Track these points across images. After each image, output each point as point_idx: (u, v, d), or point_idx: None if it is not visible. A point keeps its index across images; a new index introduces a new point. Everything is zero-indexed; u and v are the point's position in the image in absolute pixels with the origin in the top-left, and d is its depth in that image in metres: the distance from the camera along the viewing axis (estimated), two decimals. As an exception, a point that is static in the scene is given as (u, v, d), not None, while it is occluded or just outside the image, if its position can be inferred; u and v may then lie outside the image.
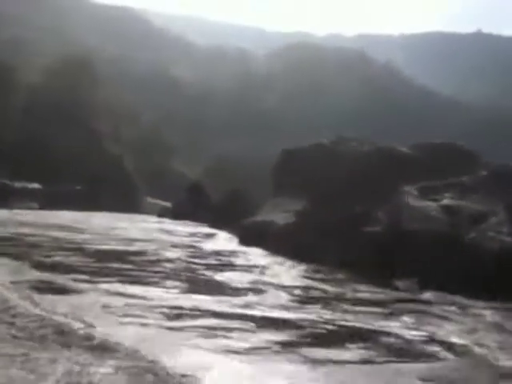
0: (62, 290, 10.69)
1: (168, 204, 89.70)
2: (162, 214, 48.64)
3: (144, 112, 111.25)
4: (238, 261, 16.92)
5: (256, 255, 18.82)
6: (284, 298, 12.09)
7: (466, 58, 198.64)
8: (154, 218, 45.90)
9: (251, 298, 11.83)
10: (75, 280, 11.82)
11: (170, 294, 11.47)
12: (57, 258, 13.90)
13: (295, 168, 30.83)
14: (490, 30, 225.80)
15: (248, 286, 13.23)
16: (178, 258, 15.41)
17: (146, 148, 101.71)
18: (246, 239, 26.70)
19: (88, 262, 14.49)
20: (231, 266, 15.90)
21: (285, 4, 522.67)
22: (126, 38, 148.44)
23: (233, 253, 19.49)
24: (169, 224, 36.31)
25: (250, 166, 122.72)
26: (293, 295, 12.51)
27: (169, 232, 27.81)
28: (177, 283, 12.69)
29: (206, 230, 33.39)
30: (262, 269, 15.56)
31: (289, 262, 17.58)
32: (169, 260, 15.02)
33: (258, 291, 12.55)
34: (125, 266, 14.47)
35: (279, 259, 18.16)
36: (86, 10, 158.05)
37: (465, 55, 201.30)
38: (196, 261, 15.41)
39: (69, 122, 78.32)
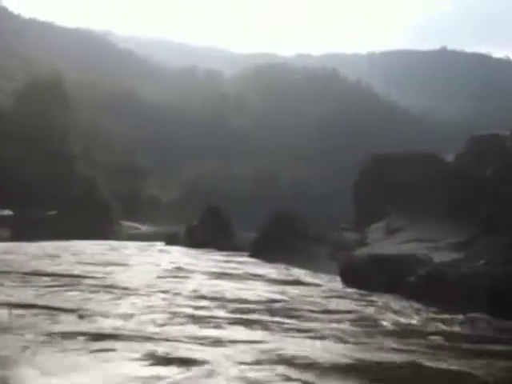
0: None
1: (143, 226, 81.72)
2: (171, 241, 37.85)
3: (114, 135, 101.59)
4: None
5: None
6: None
7: (432, 75, 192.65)
8: (170, 247, 34.83)
9: None
10: None
11: None
12: None
13: (406, 181, 20.25)
14: (454, 47, 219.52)
15: None
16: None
17: (118, 171, 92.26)
18: (356, 280, 16.31)
19: None
20: None
21: (249, 25, 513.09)
22: (90, 61, 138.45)
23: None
24: (208, 259, 25.24)
25: (224, 188, 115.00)
26: None
27: (243, 275, 17.22)
28: None
29: (266, 266, 22.51)
30: None
31: None
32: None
33: None
34: None
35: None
36: (48, 33, 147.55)
37: (431, 72, 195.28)
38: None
39: (40, 146, 71.39)
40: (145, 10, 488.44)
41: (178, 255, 26.95)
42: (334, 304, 11.79)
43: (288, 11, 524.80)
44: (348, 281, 16.95)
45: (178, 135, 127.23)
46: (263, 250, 26.32)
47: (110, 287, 12.37)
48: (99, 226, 64.25)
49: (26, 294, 10.98)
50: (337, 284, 16.76)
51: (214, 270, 18.89)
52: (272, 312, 10.02)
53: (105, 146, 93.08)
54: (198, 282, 14.29)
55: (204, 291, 12.47)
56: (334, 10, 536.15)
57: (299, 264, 21.54)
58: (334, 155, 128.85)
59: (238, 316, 9.37)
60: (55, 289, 11.96)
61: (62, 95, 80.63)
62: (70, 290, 11.74)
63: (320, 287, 15.42)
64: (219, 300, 11.07)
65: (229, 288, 13.34)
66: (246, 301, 11.28)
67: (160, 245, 36.15)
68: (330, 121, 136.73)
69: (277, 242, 25.62)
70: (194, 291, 12.26)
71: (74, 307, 9.44)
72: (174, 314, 9.19)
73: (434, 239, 16.30)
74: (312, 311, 10.47)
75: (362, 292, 14.57)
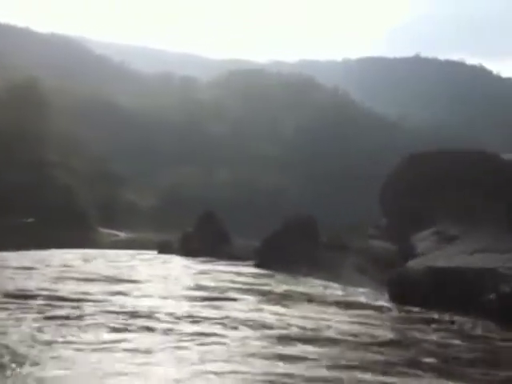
0: None
1: (121, 233, 78.08)
2: (163, 249, 34.17)
3: (91, 141, 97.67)
4: None
5: None
6: None
7: (407, 82, 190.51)
8: (165, 256, 30.97)
9: None
10: None
11: None
12: None
13: (454, 183, 17.07)
14: (427, 55, 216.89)
15: None
16: None
17: (95, 178, 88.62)
18: (412, 297, 13.14)
19: None
20: None
21: (223, 31, 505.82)
22: (66, 67, 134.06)
23: None
24: (219, 271, 21.57)
25: (202, 195, 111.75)
26: None
27: (287, 295, 13.94)
28: None
29: (291, 279, 19.02)
30: None
31: None
32: None
33: None
34: None
35: None
36: (24, 39, 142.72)
37: (406, 79, 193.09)
38: None
39: (17, 153, 67.95)
40: (120, 16, 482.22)
41: (182, 266, 23.51)
42: (454, 343, 8.76)
43: (261, 17, 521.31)
44: (399, 297, 13.78)
45: (155, 142, 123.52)
46: (272, 259, 22.87)
47: (132, 316, 8.94)
48: (77, 234, 60.31)
49: (11, 339, 7.46)
50: (386, 301, 13.55)
51: (241, 286, 15.57)
52: (418, 367, 6.81)
53: (82, 153, 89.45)
54: (247, 308, 11.00)
55: (270, 324, 9.16)
56: (308, 17, 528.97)
57: (324, 277, 18.30)
58: (312, 162, 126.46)
59: (385, 379, 6.08)
60: (53, 323, 8.49)
61: (38, 102, 77.22)
62: (77, 327, 8.28)
63: (389, 312, 12.22)
64: (310, 342, 7.78)
65: (294, 317, 10.11)
66: (351, 344, 8.06)
67: (152, 253, 32.57)
68: (306, 128, 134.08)
69: (289, 250, 22.22)
70: (262, 326, 8.92)
71: (98, 366, 6.00)
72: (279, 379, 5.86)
73: (505, 250, 13.14)
74: (455, 361, 7.34)
75: (438, 316, 11.46)
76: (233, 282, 16.67)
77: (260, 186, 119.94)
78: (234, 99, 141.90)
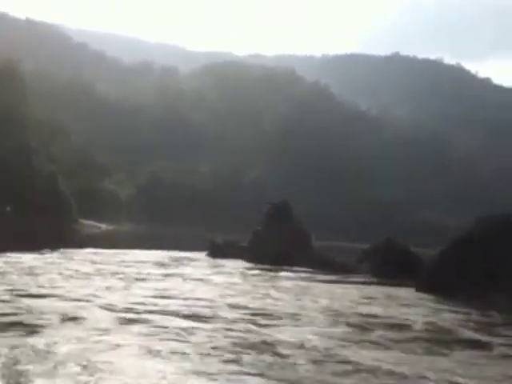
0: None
1: (102, 225, 71.67)
2: (217, 252, 26.15)
3: (71, 129, 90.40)
4: None
5: None
6: None
7: (386, 80, 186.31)
8: (232, 264, 22.98)
9: None
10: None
11: None
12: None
13: None
14: (407, 53, 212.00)
15: None
16: None
17: (76, 166, 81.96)
18: None
19: None
20: None
21: (203, 23, 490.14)
22: (44, 53, 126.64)
23: None
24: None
25: (182, 185, 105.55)
26: None
27: None
28: None
29: None
30: None
31: None
32: None
33: None
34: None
35: None
36: (1, 24, 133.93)
37: (385, 76, 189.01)
38: None
39: None
40: (100, 4, 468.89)
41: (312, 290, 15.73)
42: None
43: (239, 11, 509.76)
44: None
45: (134, 131, 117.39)
46: (444, 280, 15.00)
47: None
48: (58, 225, 55.14)
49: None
50: None
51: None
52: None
53: (62, 141, 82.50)
54: None
55: None
56: (287, 11, 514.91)
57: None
58: (293, 155, 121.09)
59: None
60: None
61: (18, 86, 71.17)
62: None
63: None
64: None
65: None
66: None
67: (202, 257, 25.12)
68: (287, 120, 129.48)
69: (475, 268, 14.44)
70: None
71: None
72: None
73: None
74: None
75: None
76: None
77: (241, 177, 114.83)
78: (216, 91, 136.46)
